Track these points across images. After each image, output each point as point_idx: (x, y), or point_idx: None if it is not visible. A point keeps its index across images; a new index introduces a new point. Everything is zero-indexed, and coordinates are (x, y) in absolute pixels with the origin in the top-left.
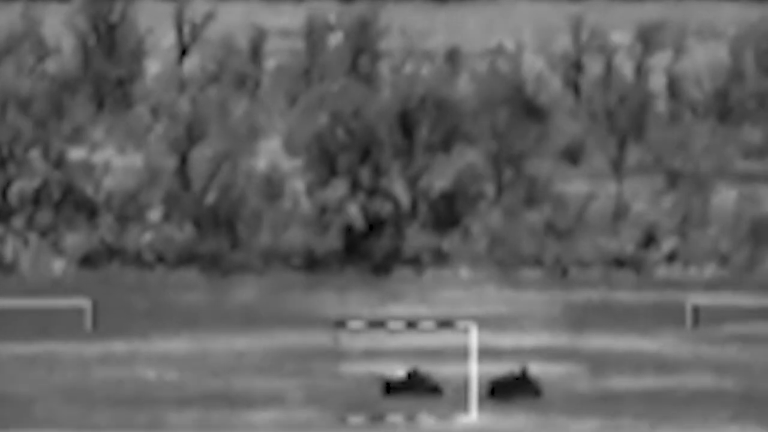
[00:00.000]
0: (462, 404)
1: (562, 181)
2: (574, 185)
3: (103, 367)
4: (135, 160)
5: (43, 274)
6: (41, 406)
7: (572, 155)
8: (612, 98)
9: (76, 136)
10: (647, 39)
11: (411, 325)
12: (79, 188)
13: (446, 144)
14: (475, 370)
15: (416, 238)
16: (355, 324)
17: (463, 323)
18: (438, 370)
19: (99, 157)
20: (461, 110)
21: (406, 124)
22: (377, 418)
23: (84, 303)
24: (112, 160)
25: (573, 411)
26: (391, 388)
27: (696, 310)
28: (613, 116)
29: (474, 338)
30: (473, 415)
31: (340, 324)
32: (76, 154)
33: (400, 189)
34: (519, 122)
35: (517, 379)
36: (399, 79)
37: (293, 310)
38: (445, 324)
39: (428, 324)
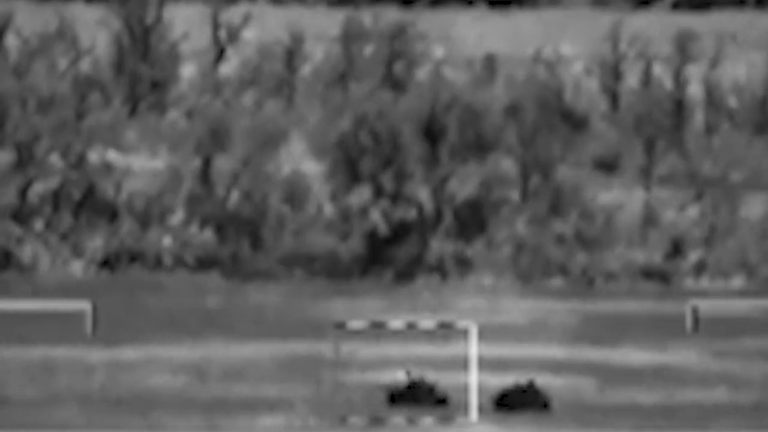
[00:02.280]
0: (463, 412)
1: (591, 189)
2: (604, 194)
3: (104, 371)
4: (158, 162)
5: (61, 276)
6: (41, 408)
7: (607, 164)
8: (649, 107)
9: (100, 138)
10: (685, 48)
11: (411, 327)
12: (100, 190)
13: (472, 150)
14: (475, 378)
15: (440, 245)
16: (354, 325)
17: (463, 326)
18: (440, 378)
19: (123, 160)
20: (489, 116)
21: (431, 129)
22: (377, 422)
23: (84, 306)
24: (134, 163)
25: (580, 424)
26: (395, 397)
27: (695, 311)
28: (650, 125)
29: (474, 344)
30: (473, 424)
31: (340, 326)
32: (106, 156)
33: (424, 195)
34: (548, 129)
35: (523, 390)
36: (425, 83)
37: (310, 316)
38: (445, 326)
39: (428, 327)
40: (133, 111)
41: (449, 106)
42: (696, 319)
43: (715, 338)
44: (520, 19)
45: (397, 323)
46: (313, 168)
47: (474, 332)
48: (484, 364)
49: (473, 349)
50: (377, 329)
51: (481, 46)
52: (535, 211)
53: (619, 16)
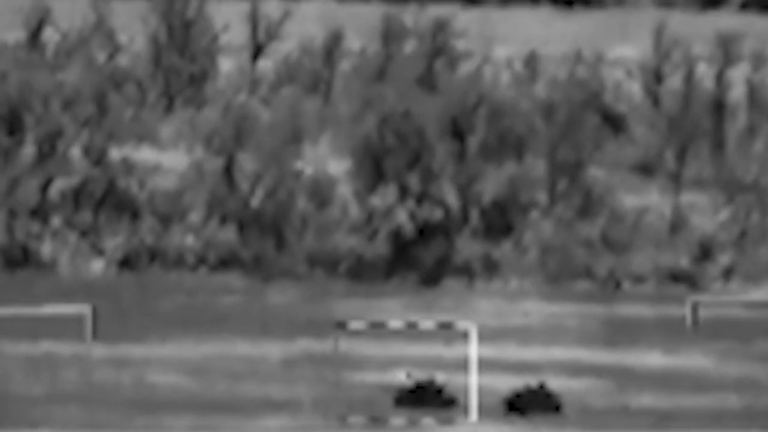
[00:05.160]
0: (468, 414)
1: (623, 192)
2: (636, 197)
3: (108, 370)
4: (181, 159)
5: (81, 274)
6: (41, 407)
7: (644, 167)
8: (688, 109)
9: (126, 133)
10: (727, 49)
11: (411, 326)
12: (121, 188)
13: (500, 150)
14: (475, 379)
15: (466, 246)
16: (355, 325)
17: (463, 326)
18: (446, 380)
19: (146, 157)
20: (518, 116)
21: (459, 128)
22: (379, 421)
23: (84, 309)
24: (157, 159)
25: (590, 427)
26: (402, 399)
27: (695, 307)
28: (685, 128)
29: (474, 346)
30: (475, 425)
31: (341, 326)
32: (129, 153)
33: (451, 195)
34: (581, 130)
35: (534, 392)
36: (454, 81)
37: (328, 317)
38: (445, 327)
39: (428, 328)
40: (169, 107)
41: (477, 105)
42: (695, 317)
43: (723, 341)
44: (566, 19)
45: (396, 324)
46: (338, 167)
47: (474, 334)
48: (501, 366)
49: (473, 350)
50: (380, 329)
51: (523, 46)
52: (563, 213)
53: (663, 16)
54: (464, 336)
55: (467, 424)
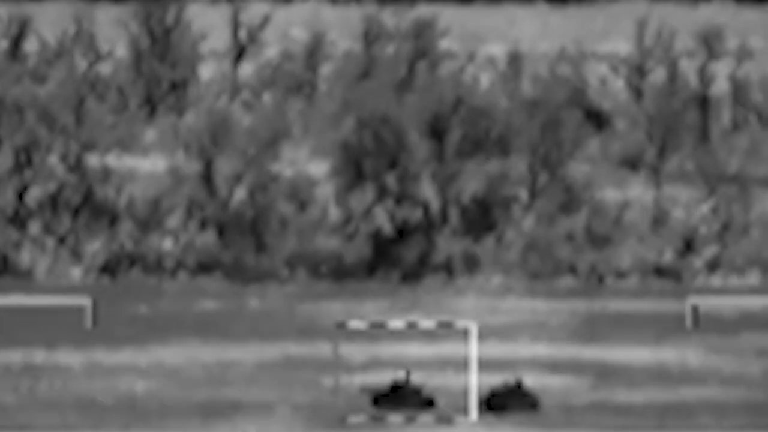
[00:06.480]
0: (459, 414)
1: (608, 186)
2: (620, 191)
3: (94, 375)
4: (159, 164)
5: (60, 281)
6: (17, 412)
7: (628, 161)
8: (671, 104)
9: (106, 139)
10: (711, 43)
11: (411, 326)
12: (99, 194)
13: (481, 148)
14: (475, 378)
15: (447, 244)
16: (355, 324)
17: (462, 326)
18: (437, 379)
19: (125, 162)
20: (498, 113)
21: (438, 126)
22: (376, 419)
23: (84, 301)
24: (135, 164)
25: (570, 424)
26: (379, 400)
27: (695, 310)
28: (664, 123)
29: (474, 344)
30: (467, 425)
31: (340, 326)
32: (107, 159)
33: (430, 193)
34: (562, 126)
35: (511, 390)
36: (434, 80)
37: (310, 319)
38: (445, 326)
39: (429, 327)
40: (151, 113)
41: (457, 103)
42: (696, 318)
43: (716, 336)
44: (555, 15)
45: (396, 323)
46: (319, 168)
47: (474, 332)
48: (483, 364)
49: (473, 349)
50: (377, 329)
51: (510, 44)
52: (545, 209)
53: (645, 10)
54: (464, 334)
55: (466, 424)
